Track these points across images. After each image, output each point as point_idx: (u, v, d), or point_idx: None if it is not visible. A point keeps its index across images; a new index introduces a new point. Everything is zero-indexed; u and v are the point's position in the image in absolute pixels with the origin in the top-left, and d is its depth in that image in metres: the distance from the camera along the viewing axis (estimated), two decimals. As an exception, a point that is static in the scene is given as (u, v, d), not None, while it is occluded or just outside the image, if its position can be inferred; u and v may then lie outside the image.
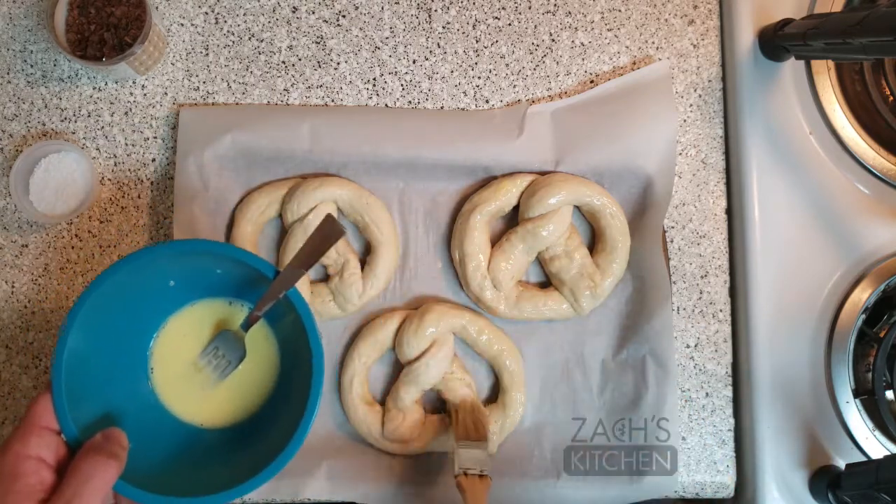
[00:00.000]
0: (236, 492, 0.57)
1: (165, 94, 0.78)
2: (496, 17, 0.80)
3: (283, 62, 0.79)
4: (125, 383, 0.63)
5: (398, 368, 0.76)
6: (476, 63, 0.80)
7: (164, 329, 0.65)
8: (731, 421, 0.78)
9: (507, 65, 0.80)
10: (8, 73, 0.78)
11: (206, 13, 0.79)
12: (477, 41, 0.80)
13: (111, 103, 0.78)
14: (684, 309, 0.79)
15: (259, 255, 0.62)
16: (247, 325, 0.64)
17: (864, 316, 0.77)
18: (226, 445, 0.64)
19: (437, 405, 0.77)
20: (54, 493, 0.50)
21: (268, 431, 0.63)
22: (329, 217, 0.67)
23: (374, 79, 0.79)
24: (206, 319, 0.66)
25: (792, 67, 0.79)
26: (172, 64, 0.79)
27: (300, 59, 0.79)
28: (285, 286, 0.61)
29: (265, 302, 0.61)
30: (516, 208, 0.76)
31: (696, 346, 0.78)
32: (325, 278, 0.76)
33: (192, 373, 0.65)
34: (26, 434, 0.52)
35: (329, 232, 0.66)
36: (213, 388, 0.65)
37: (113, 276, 0.58)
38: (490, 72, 0.80)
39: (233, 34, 0.79)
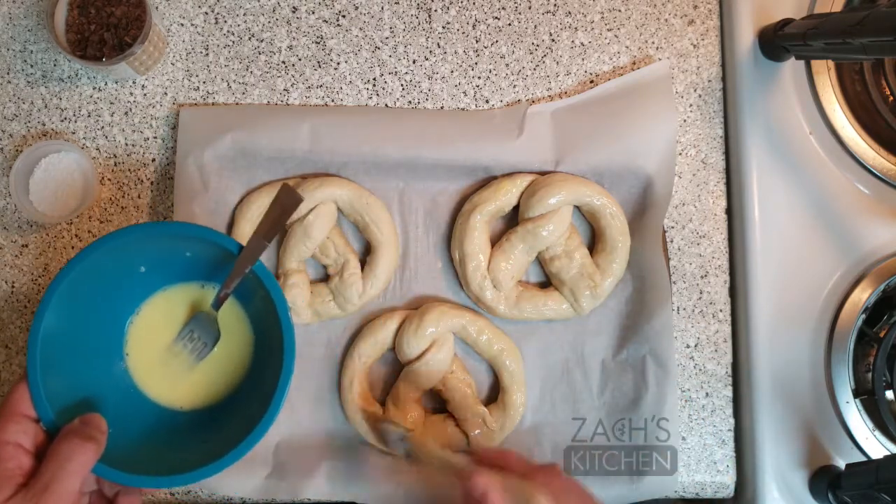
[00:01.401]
0: (212, 468, 0.58)
1: (165, 94, 0.78)
2: (496, 17, 0.80)
3: (283, 62, 0.79)
4: (101, 368, 0.63)
5: (398, 368, 0.76)
6: (476, 63, 0.80)
7: (138, 314, 0.66)
8: (731, 421, 0.78)
9: (507, 65, 0.80)
10: (8, 73, 0.78)
11: (206, 13, 0.79)
12: (477, 41, 0.80)
13: (111, 103, 0.78)
14: (684, 309, 0.79)
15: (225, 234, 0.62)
16: (217, 304, 0.64)
17: (864, 316, 0.77)
18: (203, 425, 0.65)
19: (437, 405, 0.77)
20: (33, 477, 0.51)
21: (243, 409, 0.63)
22: (285, 186, 0.67)
23: (374, 79, 0.79)
24: (179, 303, 0.66)
25: (792, 67, 0.79)
26: (172, 64, 0.79)
27: (300, 59, 0.79)
28: (250, 260, 0.61)
29: (232, 278, 0.61)
30: (516, 208, 0.76)
31: (696, 346, 0.78)
32: (325, 278, 0.76)
33: (168, 357, 0.65)
34: (4, 422, 0.53)
35: (287, 201, 0.66)
36: (190, 371, 0.65)
37: (80, 263, 0.58)
38: (490, 72, 0.80)
39: (233, 34, 0.79)
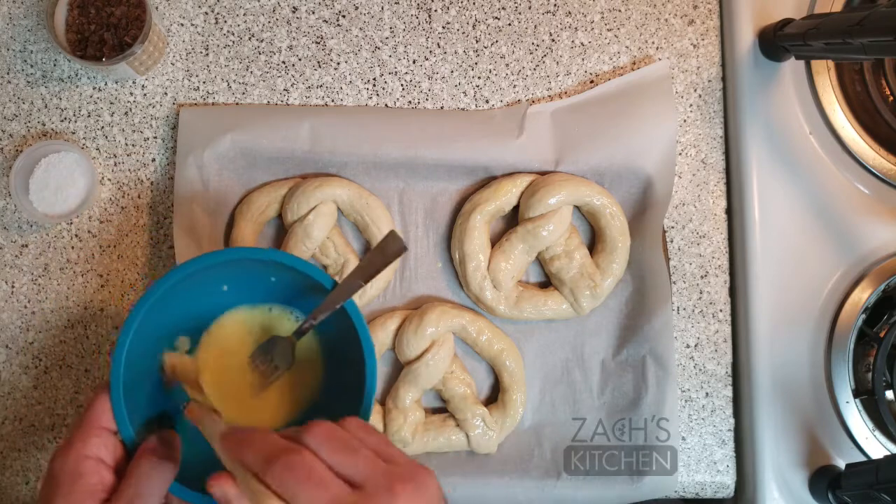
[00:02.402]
0: None
1: (165, 94, 0.78)
2: (496, 17, 0.80)
3: (283, 62, 0.79)
4: (176, 385, 0.63)
5: (398, 368, 0.76)
6: (476, 63, 0.80)
7: (212, 332, 0.65)
8: (731, 421, 0.78)
9: (507, 65, 0.80)
10: (8, 73, 0.78)
11: (206, 13, 0.79)
12: (477, 41, 0.80)
13: (111, 103, 0.78)
14: (684, 309, 0.79)
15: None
16: (300, 333, 0.63)
17: (864, 316, 0.78)
18: None
19: (438, 405, 0.77)
20: (115, 493, 0.51)
21: None
22: (392, 233, 0.67)
23: (374, 79, 0.79)
24: (255, 324, 0.66)
25: (792, 67, 0.79)
26: (172, 64, 0.79)
27: (300, 59, 0.79)
28: (343, 297, 0.60)
29: (322, 311, 0.61)
30: (516, 208, 0.76)
31: (696, 346, 0.78)
32: (325, 278, 0.76)
33: (239, 377, 0.64)
34: (87, 434, 0.53)
35: (390, 247, 0.66)
36: (259, 392, 0.64)
37: (172, 279, 0.58)
38: (490, 72, 0.80)
39: (233, 34, 0.79)
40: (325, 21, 0.80)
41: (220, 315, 0.66)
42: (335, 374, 0.65)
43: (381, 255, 0.65)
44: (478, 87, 0.80)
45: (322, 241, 0.74)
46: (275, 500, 0.42)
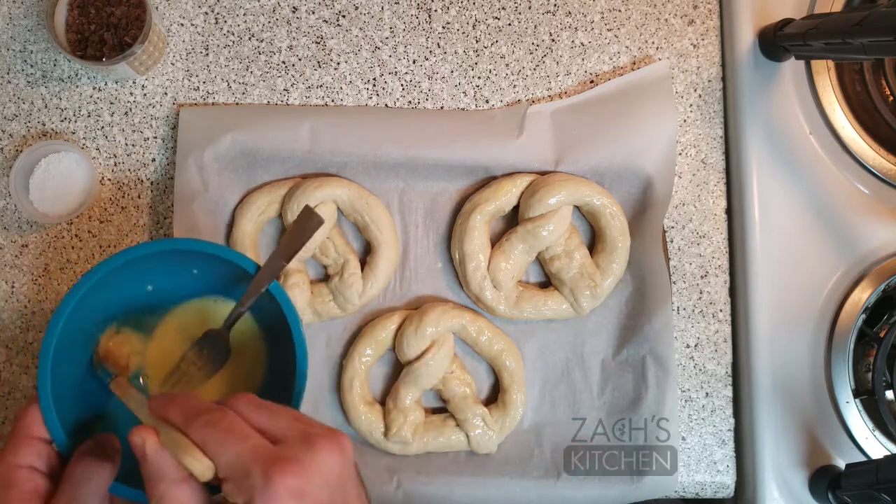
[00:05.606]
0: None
1: (165, 94, 0.78)
2: (496, 17, 0.80)
3: (283, 62, 0.79)
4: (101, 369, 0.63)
5: (398, 368, 0.76)
6: (476, 63, 0.80)
7: (150, 331, 0.65)
8: (731, 421, 0.78)
9: (507, 65, 0.80)
10: (8, 73, 0.78)
11: (206, 13, 0.79)
12: (477, 41, 0.80)
13: (111, 103, 0.78)
14: (684, 309, 0.79)
15: (238, 251, 0.62)
16: (230, 322, 0.63)
17: (864, 316, 0.78)
18: None
19: (437, 405, 0.77)
20: (52, 499, 0.50)
21: None
22: (307, 208, 0.67)
23: (374, 79, 0.79)
24: (191, 319, 0.66)
25: (792, 67, 0.79)
26: (172, 64, 0.79)
27: (300, 59, 0.79)
28: (267, 280, 0.61)
29: (248, 297, 0.61)
30: (516, 208, 0.76)
31: (696, 346, 0.78)
32: (325, 278, 0.76)
33: (179, 374, 0.65)
34: (16, 445, 0.53)
35: (307, 222, 0.66)
36: (201, 387, 0.65)
37: (87, 284, 0.57)
38: (490, 72, 0.80)
39: (233, 34, 0.79)
40: (325, 21, 0.80)
41: (160, 314, 0.66)
42: (277, 359, 0.65)
43: (300, 231, 0.66)
44: (478, 87, 0.80)
45: (322, 240, 0.74)
46: (195, 451, 0.44)
